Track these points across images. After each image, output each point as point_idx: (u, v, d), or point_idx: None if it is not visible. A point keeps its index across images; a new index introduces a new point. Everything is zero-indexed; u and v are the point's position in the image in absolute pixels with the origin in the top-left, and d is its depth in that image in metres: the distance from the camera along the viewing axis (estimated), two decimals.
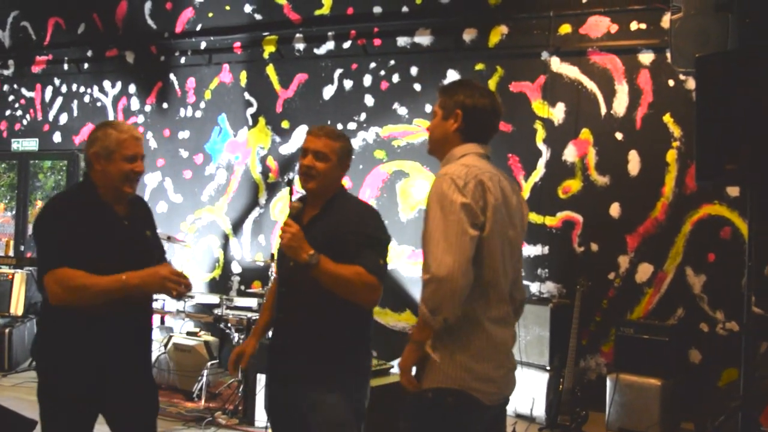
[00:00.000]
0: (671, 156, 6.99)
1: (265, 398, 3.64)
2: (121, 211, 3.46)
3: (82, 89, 10.55)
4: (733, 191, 6.66)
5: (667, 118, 7.01)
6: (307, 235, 3.19)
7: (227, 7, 9.39)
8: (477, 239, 2.85)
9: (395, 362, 4.95)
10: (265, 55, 9.17)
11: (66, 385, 3.35)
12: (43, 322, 3.53)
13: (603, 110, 7.29)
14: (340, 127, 8.58)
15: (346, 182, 8.40)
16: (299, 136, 8.87)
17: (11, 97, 11.14)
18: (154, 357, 7.41)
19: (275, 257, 3.64)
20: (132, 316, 3.42)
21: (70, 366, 3.34)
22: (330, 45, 8.79)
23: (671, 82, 7.00)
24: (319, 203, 3.46)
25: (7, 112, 11.17)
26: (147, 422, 3.58)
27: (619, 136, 7.21)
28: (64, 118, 10.68)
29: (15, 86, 11.13)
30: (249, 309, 7.73)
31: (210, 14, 9.53)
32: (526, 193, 7.56)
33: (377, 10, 8.49)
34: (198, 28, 9.62)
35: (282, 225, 3.22)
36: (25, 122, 11.02)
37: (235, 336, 7.27)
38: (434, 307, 2.79)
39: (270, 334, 3.77)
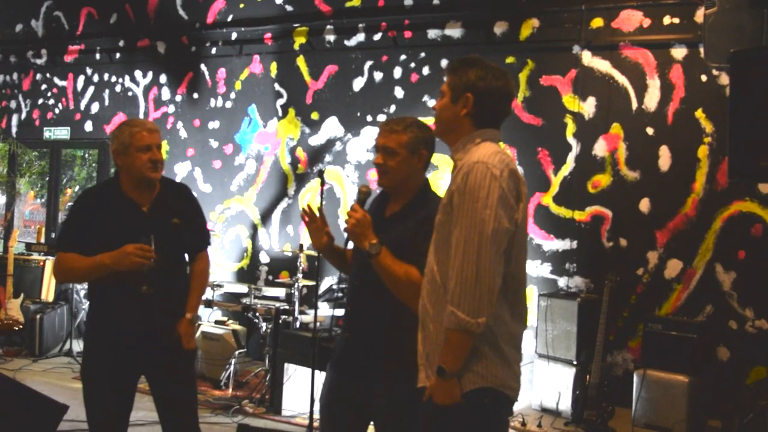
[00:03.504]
0: (702, 152, 6.94)
1: (324, 389, 3.50)
2: (142, 200, 3.73)
3: (113, 79, 10.65)
4: (765, 188, 6.59)
5: (699, 114, 6.96)
6: (385, 230, 3.14)
7: None
8: (511, 233, 2.67)
9: None
10: (296, 47, 9.19)
11: (94, 358, 3.75)
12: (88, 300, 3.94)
13: (634, 105, 7.24)
14: (369, 119, 8.60)
15: (375, 174, 8.46)
16: (328, 127, 8.90)
17: (44, 86, 11.27)
18: None
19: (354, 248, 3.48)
20: (156, 292, 3.65)
21: (95, 340, 3.78)
22: (360, 37, 8.80)
23: (704, 78, 6.94)
24: (403, 200, 3.35)
25: (40, 101, 11.30)
26: (186, 399, 3.84)
27: (650, 131, 7.16)
28: (95, 107, 10.79)
29: (48, 75, 11.25)
30: (276, 299, 7.78)
31: (241, 5, 9.56)
32: (555, 187, 7.54)
33: (408, 2, 8.48)
34: (229, 18, 9.66)
35: (348, 210, 3.15)
36: (57, 111, 11.14)
37: (263, 325, 7.32)
38: (474, 310, 2.58)
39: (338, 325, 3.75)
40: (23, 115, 11.43)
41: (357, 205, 3.16)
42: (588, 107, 7.45)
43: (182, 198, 3.99)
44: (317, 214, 3.43)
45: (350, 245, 3.33)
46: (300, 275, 7.06)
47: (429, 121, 8.13)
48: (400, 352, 3.23)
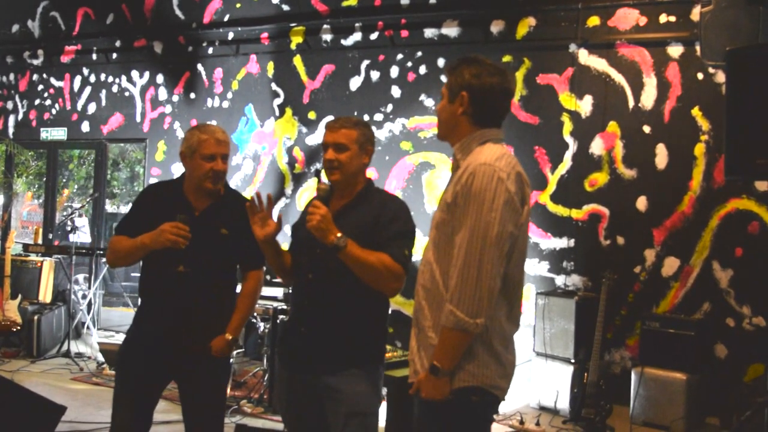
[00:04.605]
0: (699, 150, 6.95)
1: (283, 390, 3.57)
2: (198, 204, 3.79)
3: (110, 79, 10.63)
4: (762, 186, 6.61)
5: (695, 112, 6.97)
6: (336, 224, 3.15)
7: None
8: (514, 237, 2.69)
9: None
10: (293, 46, 9.20)
11: (129, 348, 3.85)
12: None
13: (631, 103, 7.25)
14: (366, 118, 8.59)
15: (372, 173, 8.48)
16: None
17: (40, 87, 11.25)
18: None
19: (297, 243, 3.53)
20: (193, 274, 3.70)
21: (134, 329, 3.86)
22: (357, 36, 8.80)
23: (700, 76, 6.96)
24: (349, 193, 3.45)
25: (36, 102, 11.28)
26: (210, 398, 3.83)
27: (646, 129, 7.17)
28: (92, 108, 10.77)
29: (44, 76, 11.23)
30: (274, 299, 7.77)
31: (238, 5, 9.57)
32: (552, 186, 7.55)
33: (405, 1, 8.48)
34: (226, 18, 9.66)
35: (309, 207, 3.16)
36: (53, 111, 11.12)
37: (261, 325, 7.32)
38: (473, 310, 2.59)
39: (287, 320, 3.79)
40: (20, 116, 11.41)
41: (318, 202, 3.17)
42: (585, 105, 7.46)
43: (241, 212, 3.79)
44: (265, 202, 3.40)
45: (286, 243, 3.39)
46: None
47: (428, 120, 8.16)
48: (356, 341, 3.34)
